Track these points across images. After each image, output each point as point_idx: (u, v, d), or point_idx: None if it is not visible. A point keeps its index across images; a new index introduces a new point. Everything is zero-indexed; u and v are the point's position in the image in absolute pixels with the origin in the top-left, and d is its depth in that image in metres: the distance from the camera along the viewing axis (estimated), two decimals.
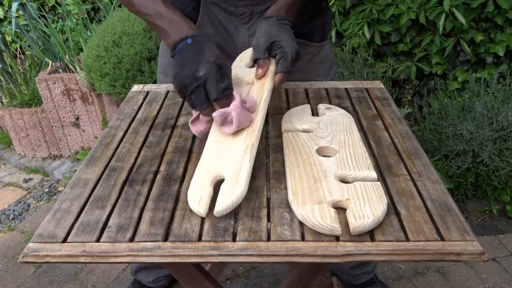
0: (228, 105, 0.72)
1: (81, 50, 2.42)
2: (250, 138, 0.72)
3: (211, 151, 0.73)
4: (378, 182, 0.68)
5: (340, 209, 0.64)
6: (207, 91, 0.71)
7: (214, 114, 0.73)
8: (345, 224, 0.61)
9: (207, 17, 0.98)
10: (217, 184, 0.67)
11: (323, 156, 0.75)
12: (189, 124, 0.81)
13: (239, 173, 0.66)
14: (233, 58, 0.83)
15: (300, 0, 0.90)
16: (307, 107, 0.93)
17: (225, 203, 0.62)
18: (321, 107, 0.93)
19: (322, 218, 0.60)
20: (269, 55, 0.83)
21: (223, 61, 0.74)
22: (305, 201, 0.63)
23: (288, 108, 0.95)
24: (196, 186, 0.67)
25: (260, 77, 0.82)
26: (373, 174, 0.70)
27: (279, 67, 0.82)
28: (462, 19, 1.85)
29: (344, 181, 0.69)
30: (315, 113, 0.93)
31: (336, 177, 0.69)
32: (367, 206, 0.61)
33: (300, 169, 0.71)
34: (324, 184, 0.67)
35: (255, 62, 0.86)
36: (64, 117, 2.28)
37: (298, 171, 0.70)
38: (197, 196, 0.65)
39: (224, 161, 0.70)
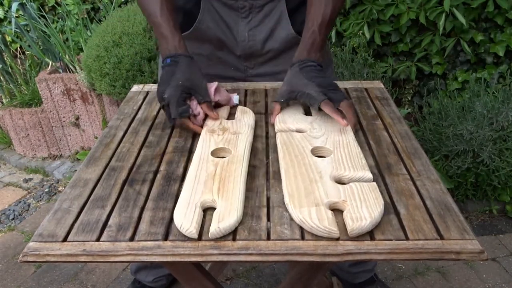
0: (188, 121, 0.87)
1: (81, 50, 2.42)
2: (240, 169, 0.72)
3: (197, 172, 0.72)
4: (374, 183, 0.67)
5: (337, 210, 0.63)
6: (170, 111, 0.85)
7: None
8: (342, 225, 0.61)
9: (208, 12, 1.00)
10: (206, 209, 0.66)
11: (318, 156, 0.75)
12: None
13: (235, 202, 0.65)
14: (203, 78, 0.90)
15: (322, 35, 0.90)
16: (299, 106, 0.92)
17: (222, 225, 0.60)
18: None
19: (319, 221, 0.59)
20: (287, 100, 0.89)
21: (190, 85, 0.85)
22: (301, 203, 0.63)
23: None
24: (185, 209, 0.64)
25: (273, 120, 0.88)
26: (369, 175, 0.69)
27: (314, 102, 0.83)
28: (462, 19, 1.85)
29: (339, 182, 0.69)
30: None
31: (332, 178, 0.69)
32: (364, 208, 0.61)
33: (296, 170, 0.71)
34: (320, 185, 0.66)
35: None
36: (64, 117, 2.28)
37: (294, 172, 0.70)
38: (188, 218, 0.62)
39: (215, 186, 0.68)
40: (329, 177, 0.69)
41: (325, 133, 0.81)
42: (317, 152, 0.77)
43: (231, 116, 0.92)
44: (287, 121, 0.86)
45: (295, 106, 0.92)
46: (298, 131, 0.83)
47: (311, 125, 0.84)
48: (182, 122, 0.86)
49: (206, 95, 0.87)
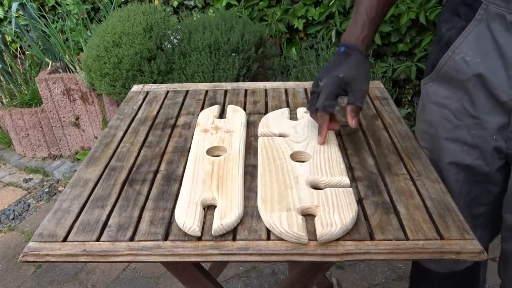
0: (327, 119, 0.78)
1: (81, 50, 2.42)
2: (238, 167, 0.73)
3: (195, 171, 0.73)
4: (350, 189, 0.67)
5: (311, 216, 0.63)
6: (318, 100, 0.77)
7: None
8: (315, 231, 0.60)
9: (474, 38, 0.74)
10: (207, 208, 0.66)
11: (298, 161, 0.75)
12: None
13: (235, 198, 0.65)
14: (367, 82, 0.80)
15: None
16: (285, 111, 0.92)
17: (224, 222, 0.61)
18: (300, 111, 0.92)
19: (289, 226, 0.59)
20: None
21: (351, 82, 0.76)
22: (273, 208, 0.63)
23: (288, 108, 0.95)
24: (186, 207, 0.64)
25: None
26: (346, 180, 0.69)
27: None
28: None
29: (316, 187, 0.68)
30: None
31: (308, 183, 0.68)
32: (336, 214, 0.61)
33: (272, 175, 0.70)
34: (294, 191, 0.66)
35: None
36: (64, 117, 2.28)
37: (270, 177, 0.70)
38: (190, 216, 0.62)
39: (214, 185, 0.69)
40: (305, 182, 0.68)
41: (307, 138, 0.80)
42: (296, 157, 0.76)
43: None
44: (271, 125, 0.85)
45: (281, 111, 0.91)
46: (281, 135, 0.83)
47: (295, 129, 0.84)
48: (321, 116, 0.77)
49: (359, 99, 0.76)
